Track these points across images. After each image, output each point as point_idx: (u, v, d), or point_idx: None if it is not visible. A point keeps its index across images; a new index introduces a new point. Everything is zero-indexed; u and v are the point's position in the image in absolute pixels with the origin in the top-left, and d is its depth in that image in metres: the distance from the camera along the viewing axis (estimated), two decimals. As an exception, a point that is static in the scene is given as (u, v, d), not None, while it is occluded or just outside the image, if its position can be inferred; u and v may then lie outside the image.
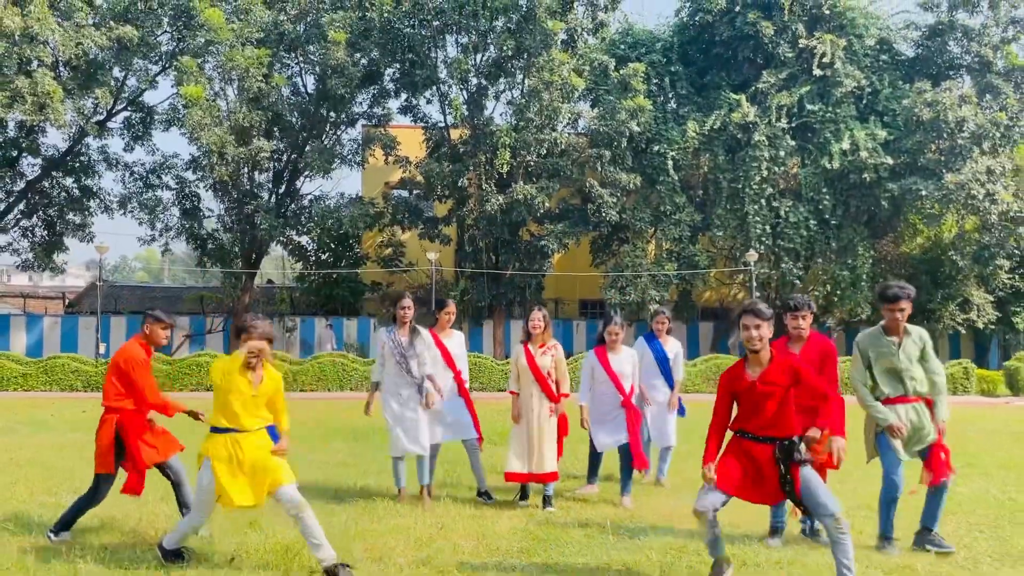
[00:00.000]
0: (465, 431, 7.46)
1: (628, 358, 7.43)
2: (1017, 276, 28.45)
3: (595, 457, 7.69)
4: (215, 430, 5.08)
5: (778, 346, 5.40)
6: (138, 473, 5.83)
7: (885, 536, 5.75)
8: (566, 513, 6.85)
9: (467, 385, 7.61)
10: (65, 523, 5.86)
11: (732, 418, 4.96)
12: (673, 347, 8.28)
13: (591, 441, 7.51)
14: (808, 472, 4.72)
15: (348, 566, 5.00)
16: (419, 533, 6.06)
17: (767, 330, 4.79)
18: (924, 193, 25.09)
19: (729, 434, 4.97)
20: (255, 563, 5.29)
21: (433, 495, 7.26)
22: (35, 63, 25.36)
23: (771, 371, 4.77)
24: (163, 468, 5.93)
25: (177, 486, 5.96)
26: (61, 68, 26.46)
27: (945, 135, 25.22)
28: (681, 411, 8.37)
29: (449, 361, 7.48)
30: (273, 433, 5.25)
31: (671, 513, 6.77)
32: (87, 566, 5.16)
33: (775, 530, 5.99)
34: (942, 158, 25.66)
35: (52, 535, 5.77)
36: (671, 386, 8.19)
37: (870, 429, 5.88)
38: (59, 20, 25.28)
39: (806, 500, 4.71)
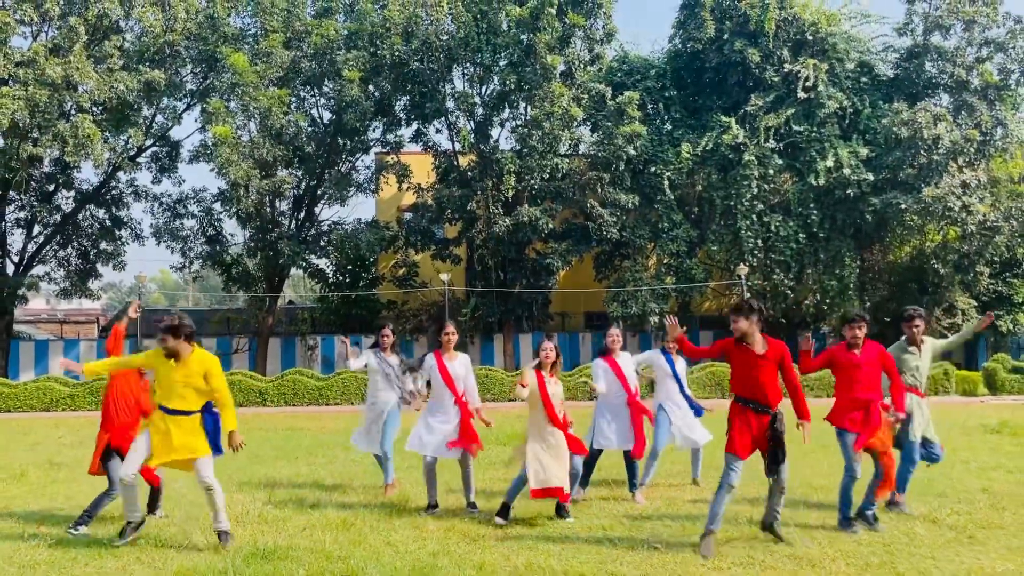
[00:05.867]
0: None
1: (628, 360, 8.07)
2: (1000, 281, 29.93)
3: (591, 460, 8.07)
4: (160, 407, 6.40)
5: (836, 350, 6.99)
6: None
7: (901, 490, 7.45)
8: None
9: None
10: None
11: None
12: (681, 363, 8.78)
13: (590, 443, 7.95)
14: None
15: (229, 534, 6.39)
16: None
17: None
18: (904, 207, 26.58)
19: None
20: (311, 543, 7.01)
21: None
22: (72, 107, 27.28)
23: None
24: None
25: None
26: (95, 108, 28.36)
27: (922, 152, 26.68)
28: (698, 411, 8.78)
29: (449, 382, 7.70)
30: (210, 423, 6.43)
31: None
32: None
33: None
34: (920, 173, 27.13)
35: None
36: (683, 392, 8.68)
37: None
38: (93, 65, 27.18)
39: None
